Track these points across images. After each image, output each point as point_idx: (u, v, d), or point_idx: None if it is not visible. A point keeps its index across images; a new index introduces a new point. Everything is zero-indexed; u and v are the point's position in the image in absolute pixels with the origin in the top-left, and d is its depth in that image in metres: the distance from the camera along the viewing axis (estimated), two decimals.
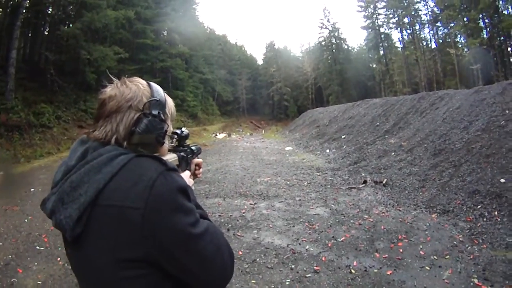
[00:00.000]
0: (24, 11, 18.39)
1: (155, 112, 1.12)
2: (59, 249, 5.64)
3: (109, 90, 1.14)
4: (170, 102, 1.25)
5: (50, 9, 22.36)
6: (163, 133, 1.16)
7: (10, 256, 5.50)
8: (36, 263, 5.23)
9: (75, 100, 21.86)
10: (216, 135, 34.04)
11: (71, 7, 22.84)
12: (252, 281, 4.61)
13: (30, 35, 22.70)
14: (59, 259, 5.30)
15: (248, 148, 22.41)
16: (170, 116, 1.25)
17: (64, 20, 23.03)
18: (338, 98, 47.85)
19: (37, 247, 5.84)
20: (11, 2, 19.05)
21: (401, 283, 4.38)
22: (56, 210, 1.00)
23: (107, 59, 22.80)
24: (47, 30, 23.19)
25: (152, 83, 1.20)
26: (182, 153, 1.50)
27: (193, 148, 1.62)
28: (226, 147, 23.35)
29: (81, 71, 22.22)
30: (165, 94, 1.23)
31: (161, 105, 1.16)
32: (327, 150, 17.82)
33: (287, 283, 4.54)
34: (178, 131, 1.50)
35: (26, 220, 7.29)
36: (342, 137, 19.12)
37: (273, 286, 4.48)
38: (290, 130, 34.51)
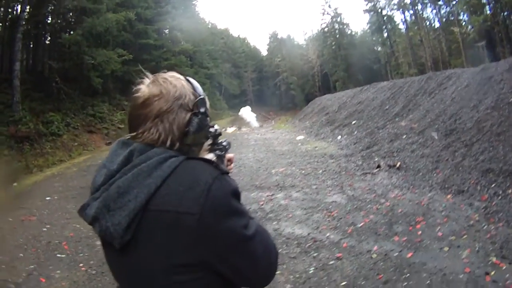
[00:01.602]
0: (23, 23, 18.47)
1: (202, 110, 1.14)
2: (81, 255, 5.75)
3: (151, 88, 1.09)
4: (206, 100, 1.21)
5: (50, 18, 22.53)
6: (209, 130, 1.21)
7: (32, 266, 5.49)
8: (58, 271, 5.25)
9: (82, 106, 22.05)
10: (226, 129, 34.11)
11: (71, 14, 22.90)
12: (277, 272, 4.76)
13: (31, 45, 22.63)
14: (81, 265, 5.38)
15: (259, 140, 22.50)
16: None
17: (65, 28, 23.08)
18: (345, 84, 47.54)
19: (58, 255, 5.85)
20: (10, 16, 19.24)
21: (422, 264, 4.53)
22: (100, 217, 0.97)
23: (111, 62, 22.85)
24: (48, 39, 23.32)
25: (189, 78, 1.20)
26: (217, 151, 1.50)
27: (224, 144, 1.58)
28: (238, 140, 23.36)
29: (86, 76, 22.27)
30: None
31: (206, 102, 1.18)
32: (339, 137, 17.88)
33: (311, 271, 4.70)
34: (212, 130, 1.42)
35: (44, 229, 7.27)
36: (353, 122, 19.13)
37: (297, 275, 4.63)
38: (299, 119, 34.44)
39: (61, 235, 6.78)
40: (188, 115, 1.10)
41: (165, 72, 1.18)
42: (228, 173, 1.06)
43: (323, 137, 19.56)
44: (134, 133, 1.08)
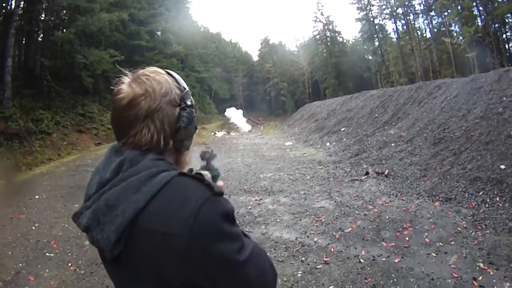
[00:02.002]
0: (17, 18, 18.28)
1: (189, 102, 1.10)
2: (69, 254, 5.69)
3: (134, 87, 1.03)
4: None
5: (43, 15, 22.21)
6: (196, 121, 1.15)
7: (20, 265, 5.48)
8: (47, 270, 5.22)
9: (73, 105, 21.78)
10: (215, 133, 34.04)
11: (64, 11, 22.69)
12: None
13: (24, 42, 22.40)
14: (70, 264, 5.33)
15: (248, 145, 22.45)
16: None
17: (58, 26, 22.73)
18: (335, 91, 47.81)
19: (47, 254, 5.81)
20: (4, 11, 18.99)
21: (409, 270, 4.53)
22: (92, 228, 0.95)
23: (103, 63, 22.65)
24: (41, 36, 23.02)
25: (171, 72, 1.14)
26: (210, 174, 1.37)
27: (218, 170, 1.47)
28: (226, 144, 23.39)
29: (77, 75, 22.11)
30: None
31: (189, 94, 1.13)
32: (327, 144, 17.92)
33: (299, 275, 4.69)
34: (209, 151, 1.41)
35: (33, 228, 7.20)
36: (342, 129, 19.20)
37: (285, 279, 4.61)
38: (288, 125, 34.51)
39: (50, 234, 6.71)
40: (177, 110, 1.07)
41: (143, 68, 1.13)
42: (222, 194, 1.00)
43: (312, 144, 19.57)
44: (125, 139, 1.03)
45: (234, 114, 46.25)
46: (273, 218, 7.01)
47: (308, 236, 5.95)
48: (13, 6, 18.78)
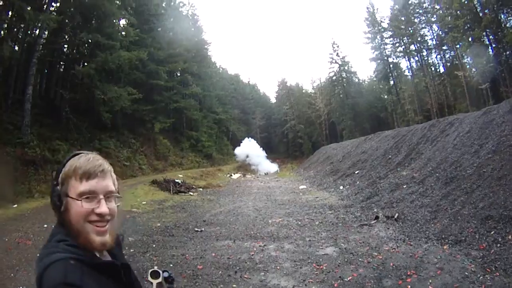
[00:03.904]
0: (40, 48, 18.94)
1: (55, 182, 1.26)
2: None
3: None
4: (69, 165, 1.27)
5: (65, 48, 23.03)
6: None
7: (21, 287, 5.69)
8: None
9: (90, 138, 22.03)
10: (231, 175, 34.06)
11: (86, 46, 23.32)
12: None
13: (46, 72, 23.07)
14: None
15: (262, 188, 22.33)
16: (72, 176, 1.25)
17: (79, 60, 23.40)
18: (352, 132, 47.70)
19: None
20: (27, 38, 19.80)
21: None
22: None
23: (121, 99, 23.11)
24: (62, 68, 23.67)
25: (74, 154, 1.32)
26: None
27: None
28: (240, 187, 23.30)
29: (95, 110, 22.56)
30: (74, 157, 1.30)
31: (61, 173, 1.26)
32: (341, 187, 17.65)
33: None
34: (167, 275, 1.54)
35: (38, 255, 7.23)
36: (356, 172, 18.96)
37: None
38: (304, 168, 34.41)
39: None
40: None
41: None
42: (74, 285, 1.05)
43: (326, 187, 19.33)
44: None
45: (250, 148, 45.94)
46: (273, 265, 6.79)
47: (306, 285, 5.72)
48: (37, 34, 19.54)
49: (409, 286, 5.23)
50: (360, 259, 6.73)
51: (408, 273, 5.71)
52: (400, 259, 6.45)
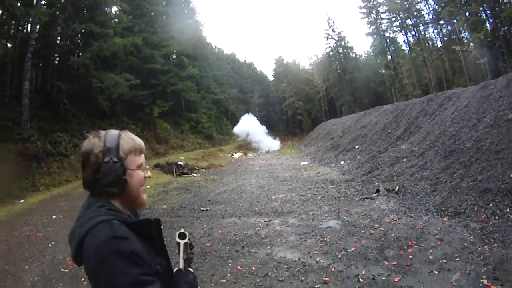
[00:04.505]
0: (33, 42, 18.80)
1: (107, 159, 1.40)
2: (82, 271, 5.80)
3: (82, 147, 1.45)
4: (124, 144, 1.48)
5: (59, 40, 22.78)
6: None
7: (36, 278, 5.92)
8: (61, 284, 5.61)
9: (90, 128, 21.95)
10: (232, 154, 34.13)
11: (79, 36, 23.27)
12: None
13: (41, 65, 22.88)
14: (83, 279, 5.60)
15: (264, 166, 22.51)
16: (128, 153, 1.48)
17: (74, 50, 23.25)
18: (351, 108, 47.56)
19: (62, 269, 6.17)
20: (19, 34, 19.62)
21: None
22: (70, 245, 1.41)
23: (119, 86, 23.04)
24: (57, 60, 23.43)
25: (105, 133, 1.48)
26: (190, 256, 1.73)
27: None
28: (242, 166, 23.45)
29: (94, 99, 22.57)
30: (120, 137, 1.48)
31: (111, 150, 1.43)
32: (342, 162, 17.85)
33: None
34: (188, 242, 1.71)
35: (50, 245, 7.64)
36: (356, 147, 19.12)
37: None
38: (305, 144, 34.48)
39: (65, 252, 6.96)
40: (98, 165, 1.40)
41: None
42: (124, 237, 1.29)
43: (327, 162, 19.53)
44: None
45: (250, 125, 45.97)
46: (279, 239, 7.02)
47: (311, 256, 5.94)
48: (29, 29, 19.49)
49: (410, 256, 5.45)
50: (362, 231, 6.97)
51: (409, 244, 5.93)
52: (401, 231, 6.68)
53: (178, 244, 1.64)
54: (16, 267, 6.50)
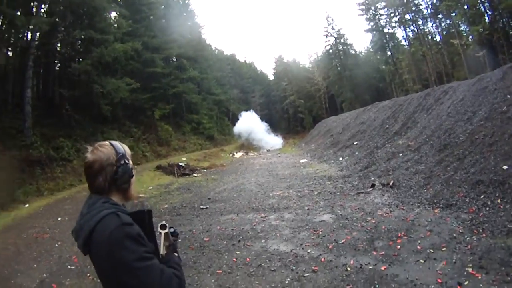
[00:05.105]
0: (34, 50, 18.84)
1: (123, 161, 1.73)
2: (88, 267, 6.16)
3: (90, 156, 1.70)
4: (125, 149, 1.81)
5: (59, 47, 22.86)
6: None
7: (44, 275, 6.25)
8: (68, 279, 5.92)
9: (92, 132, 22.02)
10: (234, 154, 34.28)
11: (79, 43, 23.34)
12: (256, 282, 5.06)
13: (42, 72, 22.99)
14: (88, 275, 5.91)
15: (264, 165, 22.61)
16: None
17: (74, 57, 23.24)
18: (351, 104, 47.51)
19: (69, 266, 6.52)
20: (20, 43, 19.71)
21: (393, 276, 4.62)
22: (76, 239, 1.65)
23: (120, 91, 23.20)
24: (58, 67, 23.54)
25: (112, 142, 1.78)
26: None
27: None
28: (243, 165, 23.56)
29: (95, 104, 22.64)
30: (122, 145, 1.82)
31: (124, 154, 1.76)
32: (340, 158, 17.96)
33: (287, 282, 4.94)
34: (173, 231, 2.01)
35: (56, 245, 7.94)
36: (355, 143, 19.22)
37: (273, 285, 4.90)
38: (306, 142, 34.54)
39: (71, 250, 7.27)
40: (115, 167, 1.70)
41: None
42: (130, 223, 1.57)
43: (326, 159, 19.62)
44: (91, 188, 1.73)
45: (251, 123, 46.05)
46: (274, 233, 7.22)
47: (303, 248, 6.13)
48: (29, 38, 19.51)
49: (399, 247, 5.59)
50: (354, 224, 7.12)
51: (399, 235, 6.07)
52: (392, 223, 6.82)
53: (160, 234, 1.88)
54: (25, 265, 6.80)
